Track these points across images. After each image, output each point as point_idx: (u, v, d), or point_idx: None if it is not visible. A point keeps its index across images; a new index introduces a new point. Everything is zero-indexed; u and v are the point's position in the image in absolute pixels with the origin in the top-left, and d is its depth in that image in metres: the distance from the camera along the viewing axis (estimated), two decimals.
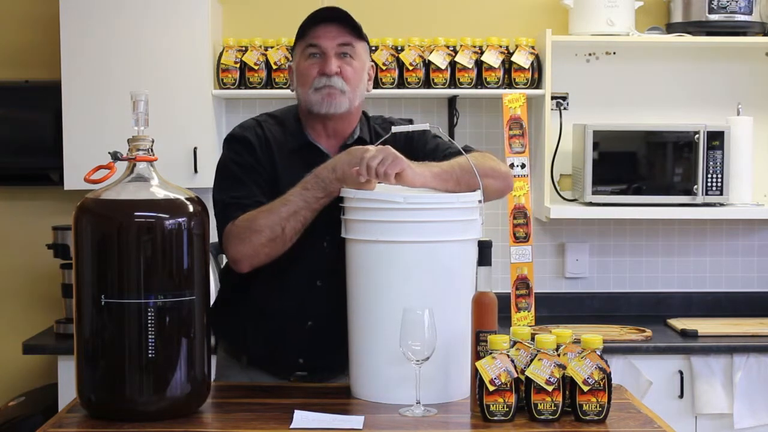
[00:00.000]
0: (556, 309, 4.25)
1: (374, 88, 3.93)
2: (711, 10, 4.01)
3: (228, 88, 4.01)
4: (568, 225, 4.30)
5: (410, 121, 2.74)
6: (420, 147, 2.63)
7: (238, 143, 2.59)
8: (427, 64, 4.01)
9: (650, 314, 4.22)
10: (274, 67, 3.99)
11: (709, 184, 3.94)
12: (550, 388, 2.15)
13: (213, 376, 2.67)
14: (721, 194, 3.95)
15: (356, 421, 2.18)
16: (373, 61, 2.73)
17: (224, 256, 2.57)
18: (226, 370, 2.67)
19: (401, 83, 4.01)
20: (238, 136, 2.60)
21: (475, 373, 2.18)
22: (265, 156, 2.57)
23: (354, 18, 2.57)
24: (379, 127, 2.67)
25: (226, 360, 2.69)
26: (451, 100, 4.20)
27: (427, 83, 4.02)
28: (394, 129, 2.54)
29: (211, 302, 2.41)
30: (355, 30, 2.56)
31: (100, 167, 2.24)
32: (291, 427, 2.16)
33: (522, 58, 4.01)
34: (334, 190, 2.39)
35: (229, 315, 2.63)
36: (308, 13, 2.60)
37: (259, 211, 2.44)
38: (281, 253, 2.45)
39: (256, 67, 4.00)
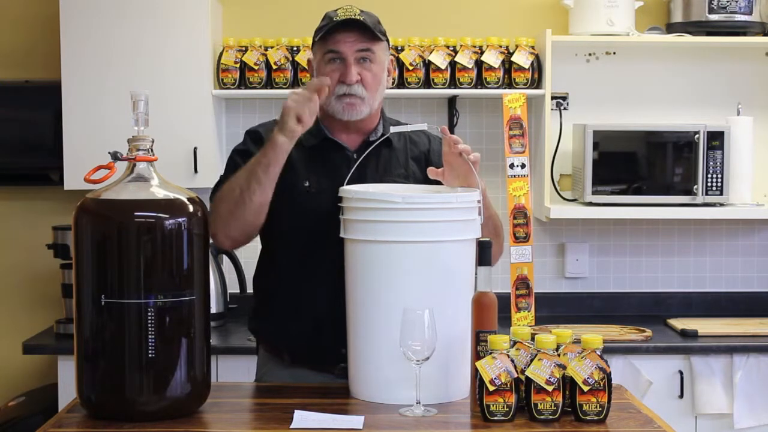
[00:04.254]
0: (556, 309, 4.25)
1: None
2: (711, 10, 4.01)
3: (228, 88, 4.01)
4: (568, 225, 4.30)
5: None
6: (438, 154, 2.69)
7: (248, 136, 2.71)
8: (427, 64, 4.01)
9: (650, 314, 4.22)
10: (274, 67, 3.99)
11: (709, 184, 3.94)
12: (550, 388, 2.15)
13: (254, 377, 2.75)
14: (721, 194, 3.95)
15: (356, 421, 2.18)
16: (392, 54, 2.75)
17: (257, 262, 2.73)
18: (269, 370, 2.67)
19: (401, 83, 4.01)
20: (251, 130, 2.73)
21: (475, 373, 2.18)
22: None
23: (371, 21, 2.58)
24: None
25: (268, 359, 2.68)
26: (451, 100, 4.20)
27: (427, 83, 4.02)
28: (393, 129, 2.56)
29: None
30: (374, 34, 2.56)
31: (100, 167, 2.24)
32: (291, 427, 2.16)
33: (522, 58, 4.01)
34: (275, 140, 2.45)
35: (268, 317, 2.64)
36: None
37: (229, 185, 2.52)
38: (253, 223, 2.50)
39: (256, 67, 3.99)
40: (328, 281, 2.51)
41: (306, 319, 2.58)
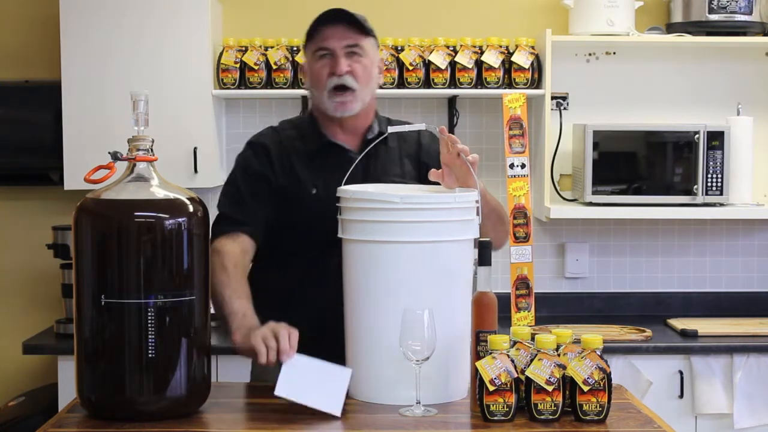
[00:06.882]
0: (556, 309, 4.25)
1: None
2: (711, 10, 4.01)
3: (228, 88, 4.01)
4: (568, 225, 4.30)
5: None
6: (427, 152, 2.71)
7: (251, 149, 2.71)
8: (427, 64, 4.01)
9: (650, 314, 4.22)
10: (274, 67, 3.99)
11: (709, 184, 3.94)
12: (550, 388, 2.15)
13: (250, 377, 2.76)
14: (721, 194, 3.95)
15: (345, 373, 2.27)
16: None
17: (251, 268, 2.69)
18: (266, 372, 2.62)
19: (401, 83, 4.01)
20: (255, 142, 2.72)
21: (475, 373, 2.18)
22: (281, 160, 2.66)
23: (358, 16, 2.63)
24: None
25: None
26: (451, 100, 4.20)
27: (427, 83, 4.02)
28: (391, 129, 2.57)
29: None
30: (361, 28, 2.62)
31: (100, 167, 2.24)
32: (275, 393, 2.20)
33: (522, 58, 4.01)
34: (230, 331, 2.42)
35: (268, 316, 2.55)
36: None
37: (217, 280, 2.46)
38: None
39: (256, 67, 3.99)
40: (333, 284, 2.50)
41: (310, 322, 2.57)
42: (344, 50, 2.61)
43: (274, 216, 2.64)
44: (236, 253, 2.56)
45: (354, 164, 2.54)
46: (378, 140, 2.62)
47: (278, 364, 2.31)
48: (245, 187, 2.65)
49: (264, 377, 2.65)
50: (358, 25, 2.62)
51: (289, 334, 2.31)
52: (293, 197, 2.62)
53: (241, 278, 2.53)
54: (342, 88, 2.60)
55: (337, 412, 2.23)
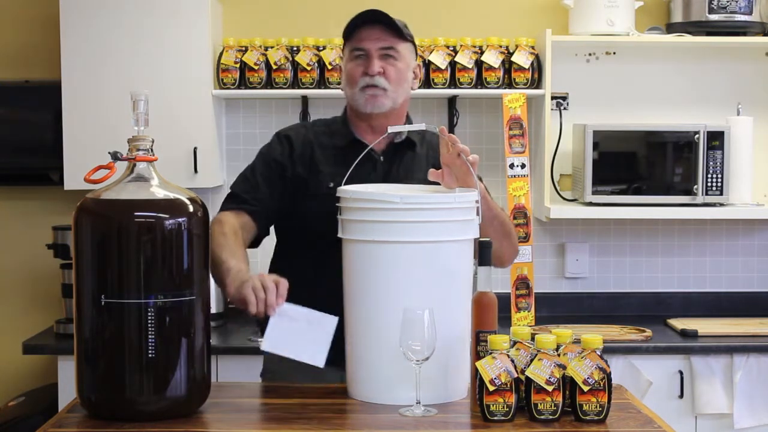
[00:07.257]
0: (556, 309, 4.25)
1: None
2: (711, 10, 4.01)
3: (228, 88, 4.01)
4: (568, 225, 4.30)
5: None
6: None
7: (276, 139, 2.80)
8: (427, 64, 4.01)
9: (650, 314, 4.22)
10: (274, 67, 3.99)
11: (709, 184, 3.94)
12: (550, 388, 2.15)
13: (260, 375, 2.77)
14: (721, 194, 3.95)
15: (331, 322, 2.30)
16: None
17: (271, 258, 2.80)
18: (278, 365, 2.64)
19: None
20: (281, 133, 2.81)
21: (475, 373, 2.18)
22: (303, 152, 2.73)
23: (397, 21, 2.70)
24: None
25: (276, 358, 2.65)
26: (451, 100, 4.20)
27: (427, 83, 4.02)
28: (390, 129, 2.57)
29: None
30: (398, 32, 2.69)
31: (100, 167, 2.24)
32: (262, 348, 2.26)
33: (522, 58, 4.01)
34: (224, 286, 2.47)
35: None
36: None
37: (216, 243, 2.52)
38: None
39: (256, 67, 3.99)
40: (340, 280, 2.50)
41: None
42: (379, 52, 2.67)
43: (287, 206, 2.70)
44: (236, 224, 2.64)
45: (357, 159, 2.55)
46: (384, 137, 2.64)
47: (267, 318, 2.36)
48: (260, 171, 2.73)
49: (274, 369, 2.65)
50: (395, 29, 2.68)
51: (277, 286, 2.35)
52: (309, 189, 2.68)
53: (239, 244, 2.59)
54: (373, 87, 2.66)
55: (320, 363, 2.28)
